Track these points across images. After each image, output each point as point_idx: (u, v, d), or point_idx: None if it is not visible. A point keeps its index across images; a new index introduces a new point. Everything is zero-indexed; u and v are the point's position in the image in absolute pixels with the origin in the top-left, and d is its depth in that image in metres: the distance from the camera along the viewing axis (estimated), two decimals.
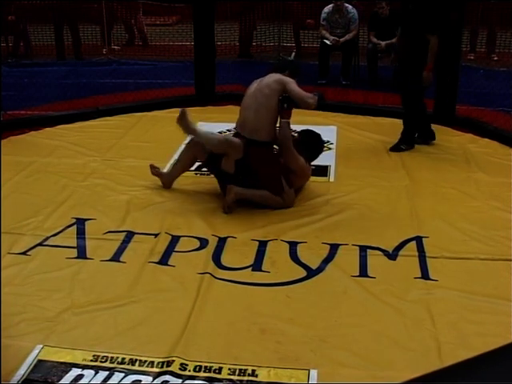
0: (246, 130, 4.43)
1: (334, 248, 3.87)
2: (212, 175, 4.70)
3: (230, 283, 3.49)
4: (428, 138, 5.78)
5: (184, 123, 4.42)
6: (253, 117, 4.41)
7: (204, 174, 4.95)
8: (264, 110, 4.39)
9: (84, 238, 3.99)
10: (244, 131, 4.44)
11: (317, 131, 4.92)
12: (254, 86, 4.55)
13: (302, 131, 4.88)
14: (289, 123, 4.50)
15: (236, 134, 4.55)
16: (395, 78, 5.96)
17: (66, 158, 5.38)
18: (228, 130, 5.91)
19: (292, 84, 4.41)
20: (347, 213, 4.38)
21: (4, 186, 4.70)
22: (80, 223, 4.18)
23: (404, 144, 5.60)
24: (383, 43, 8.02)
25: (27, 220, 4.20)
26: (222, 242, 3.94)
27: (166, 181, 4.74)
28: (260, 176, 4.37)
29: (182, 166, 4.76)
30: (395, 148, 5.57)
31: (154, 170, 4.79)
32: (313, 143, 4.77)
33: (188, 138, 4.72)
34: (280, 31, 10.11)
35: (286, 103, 4.41)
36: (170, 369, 2.77)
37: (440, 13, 5.45)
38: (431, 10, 5.33)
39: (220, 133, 5.66)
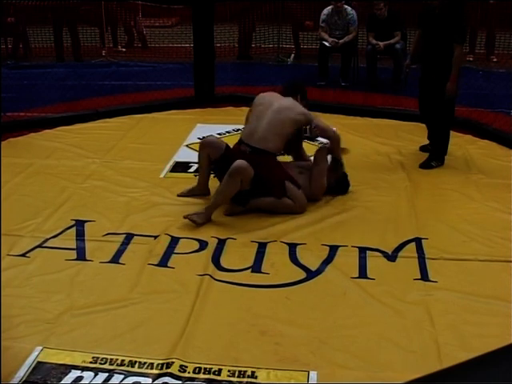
0: (255, 138, 4.36)
1: (333, 249, 3.87)
2: (214, 176, 4.61)
3: (229, 285, 3.49)
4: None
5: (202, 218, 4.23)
6: (265, 127, 4.36)
7: None
8: (278, 128, 4.37)
9: (83, 240, 3.99)
10: (251, 140, 4.37)
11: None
12: (274, 101, 4.49)
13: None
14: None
15: (239, 142, 4.46)
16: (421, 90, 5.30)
17: (66, 160, 5.38)
18: (227, 132, 5.91)
19: (317, 120, 4.61)
20: (346, 214, 4.38)
21: (3, 188, 4.70)
22: (79, 225, 4.18)
23: (435, 161, 5.23)
24: (382, 44, 8.02)
25: (26, 222, 4.20)
26: (221, 243, 3.94)
27: (201, 191, 4.61)
28: (264, 179, 4.27)
29: (203, 170, 4.61)
30: (425, 165, 5.21)
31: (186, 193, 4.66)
32: (344, 182, 4.75)
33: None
34: (279, 33, 10.13)
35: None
36: (169, 370, 2.77)
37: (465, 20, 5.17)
38: (459, 18, 4.99)
39: (219, 134, 5.66)
